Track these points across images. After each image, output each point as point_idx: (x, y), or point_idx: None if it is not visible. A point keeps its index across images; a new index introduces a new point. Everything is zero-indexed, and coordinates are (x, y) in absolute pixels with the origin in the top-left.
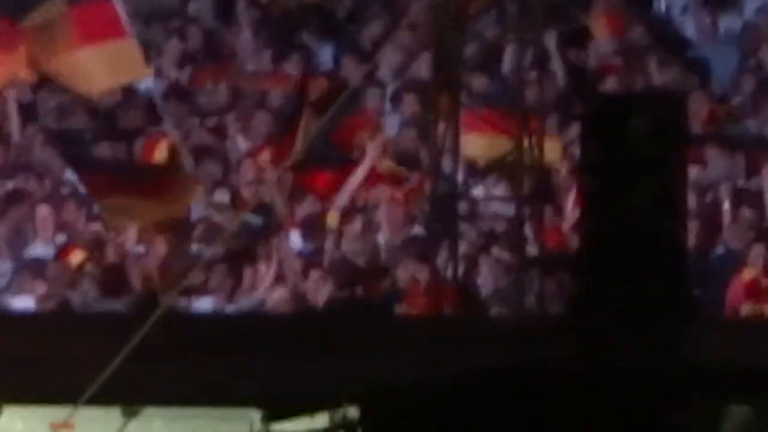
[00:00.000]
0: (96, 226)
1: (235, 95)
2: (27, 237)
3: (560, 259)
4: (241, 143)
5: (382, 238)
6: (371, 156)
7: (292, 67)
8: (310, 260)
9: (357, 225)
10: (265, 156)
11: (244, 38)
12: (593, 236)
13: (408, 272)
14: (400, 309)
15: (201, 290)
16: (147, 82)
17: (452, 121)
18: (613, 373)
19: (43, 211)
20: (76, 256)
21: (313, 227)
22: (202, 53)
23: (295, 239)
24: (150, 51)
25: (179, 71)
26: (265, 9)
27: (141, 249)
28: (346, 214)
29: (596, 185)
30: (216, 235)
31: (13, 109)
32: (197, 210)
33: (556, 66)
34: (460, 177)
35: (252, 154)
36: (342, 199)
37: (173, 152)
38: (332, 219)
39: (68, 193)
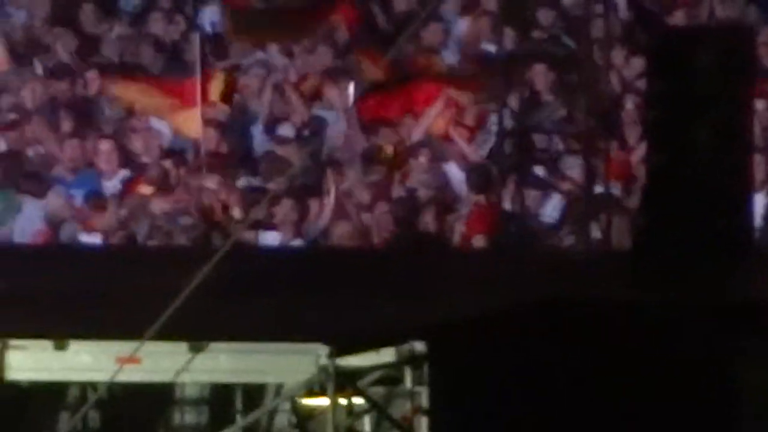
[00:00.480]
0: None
1: None
2: (93, 170)
3: (624, 193)
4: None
5: (448, 171)
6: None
7: None
8: (375, 193)
9: (423, 158)
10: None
11: None
12: (657, 170)
13: (473, 205)
14: (465, 242)
15: (267, 224)
16: None
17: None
18: (671, 307)
19: (106, 144)
20: (143, 190)
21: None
22: None
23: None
24: None
25: None
26: None
27: (209, 182)
28: (413, 147)
29: (661, 119)
30: (281, 168)
31: None
32: (261, 144)
33: None
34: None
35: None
36: (417, 132)
37: None
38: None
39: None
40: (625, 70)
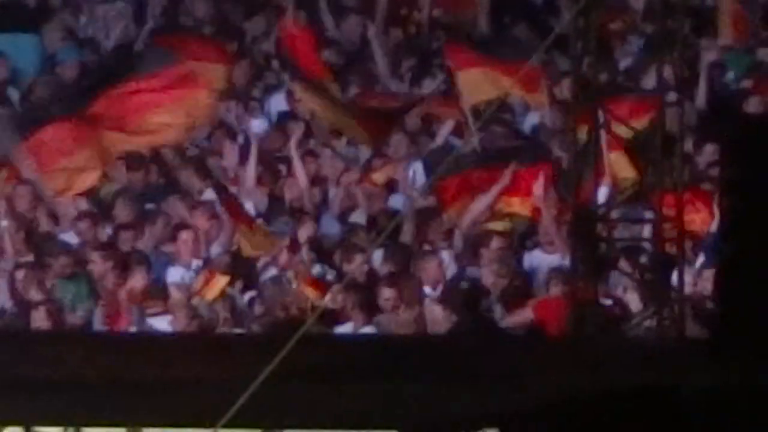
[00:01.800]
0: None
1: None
2: (167, 258)
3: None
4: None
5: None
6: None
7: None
8: (447, 281)
9: (495, 244)
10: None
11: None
12: (733, 257)
13: (548, 293)
14: (539, 330)
15: (339, 312)
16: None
17: (594, 142)
18: (752, 397)
19: (185, 234)
20: (218, 281)
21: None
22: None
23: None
24: None
25: None
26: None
27: (276, 272)
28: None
29: (736, 206)
30: (353, 256)
31: None
32: (334, 230)
33: (701, 86)
34: (601, 198)
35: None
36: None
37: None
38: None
39: (209, 216)
40: (698, 157)
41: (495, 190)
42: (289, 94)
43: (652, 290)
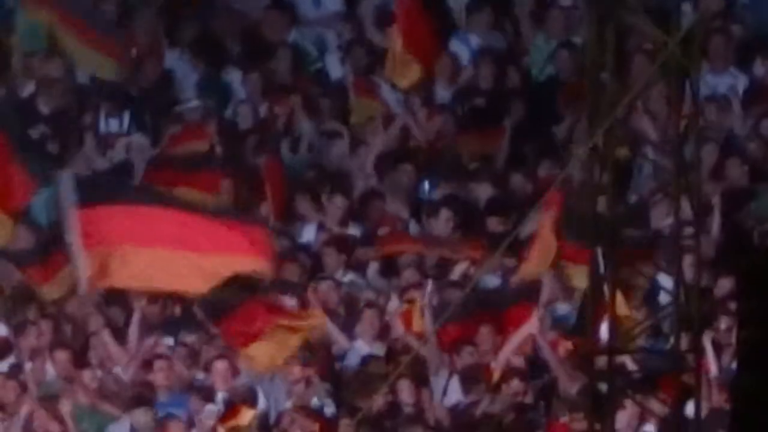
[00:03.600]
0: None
1: None
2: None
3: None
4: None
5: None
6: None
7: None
8: (463, 413)
9: (515, 384)
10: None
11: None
12: (748, 390)
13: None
14: None
15: None
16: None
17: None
18: None
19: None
20: (245, 415)
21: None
22: None
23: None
24: None
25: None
26: None
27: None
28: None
29: (754, 337)
30: (370, 386)
31: None
32: (354, 360)
33: (715, 220)
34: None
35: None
36: (504, 356)
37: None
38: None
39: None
40: (716, 290)
41: (525, 330)
42: None
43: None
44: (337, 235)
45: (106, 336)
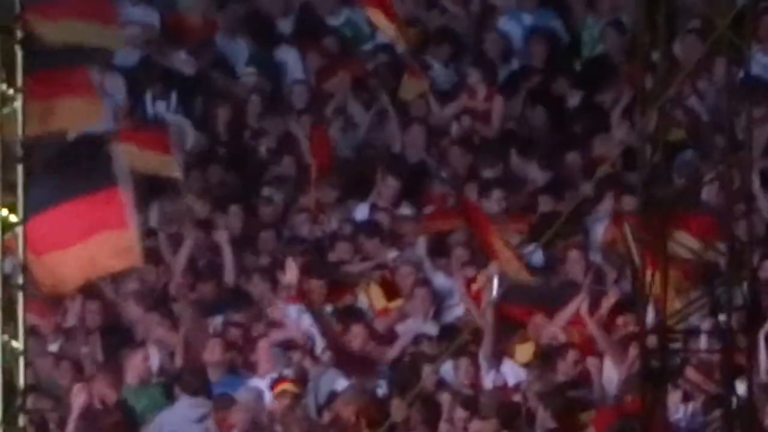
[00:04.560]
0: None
1: None
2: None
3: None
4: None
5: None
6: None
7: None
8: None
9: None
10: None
11: None
12: None
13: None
14: None
15: (405, 426)
16: None
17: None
18: None
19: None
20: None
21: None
22: None
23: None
24: None
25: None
26: None
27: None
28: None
29: None
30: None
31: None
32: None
33: (762, 201)
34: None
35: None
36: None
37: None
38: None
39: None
40: (761, 272)
41: (573, 306)
42: None
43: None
44: (392, 215)
45: (155, 316)
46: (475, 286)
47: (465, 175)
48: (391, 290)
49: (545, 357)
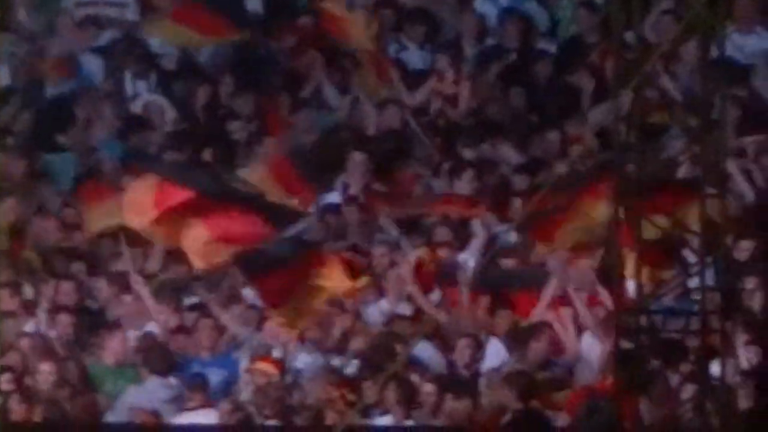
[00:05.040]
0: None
1: None
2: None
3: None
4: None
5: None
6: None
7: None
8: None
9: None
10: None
11: None
12: None
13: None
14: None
15: (379, 406)
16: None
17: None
18: None
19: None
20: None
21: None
22: None
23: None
24: None
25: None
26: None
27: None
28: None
29: None
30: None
31: None
32: (378, 319)
33: (741, 184)
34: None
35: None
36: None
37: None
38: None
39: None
40: (736, 252)
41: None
42: None
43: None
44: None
45: (144, 291)
46: (424, 269)
47: (438, 157)
48: (354, 270)
49: (516, 337)
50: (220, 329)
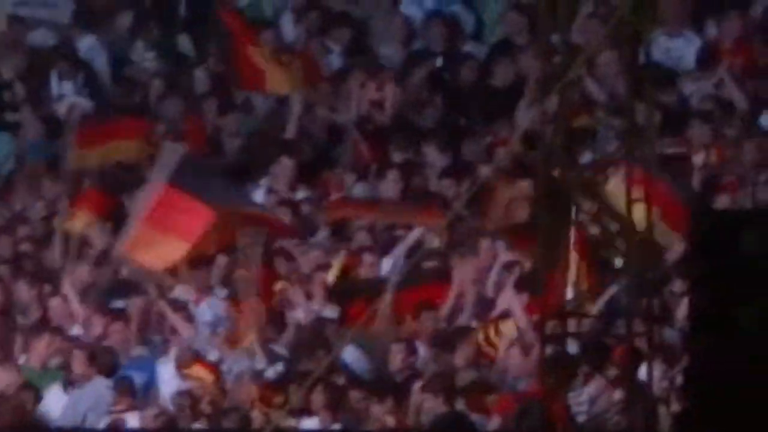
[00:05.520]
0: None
1: None
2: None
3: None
4: None
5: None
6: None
7: None
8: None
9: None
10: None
11: None
12: (702, 352)
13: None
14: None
15: (306, 409)
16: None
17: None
18: None
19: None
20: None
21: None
22: None
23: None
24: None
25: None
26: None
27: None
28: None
29: (706, 301)
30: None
31: None
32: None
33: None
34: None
35: None
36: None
37: None
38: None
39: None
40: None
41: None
42: None
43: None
44: (286, 199)
45: (71, 293)
46: (330, 277)
47: (365, 161)
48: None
49: (442, 339)
50: (143, 333)
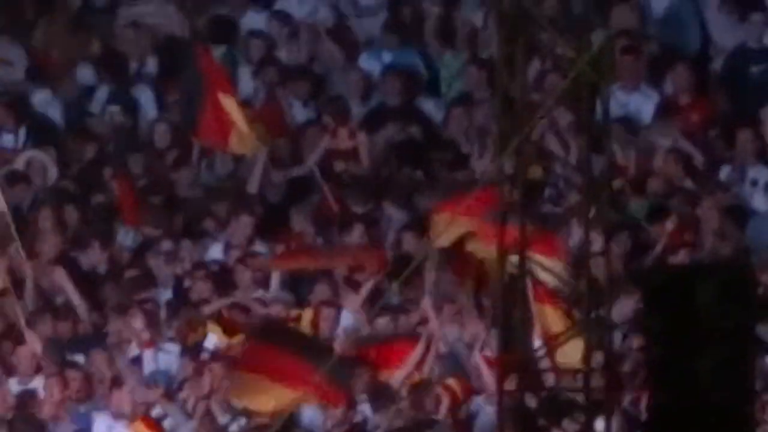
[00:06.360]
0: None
1: None
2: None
3: None
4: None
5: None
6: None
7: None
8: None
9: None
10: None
11: None
12: (660, 407)
13: None
14: None
15: None
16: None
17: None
18: None
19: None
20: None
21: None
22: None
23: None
24: None
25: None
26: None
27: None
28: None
29: (662, 355)
30: None
31: None
32: None
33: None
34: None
35: None
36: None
37: None
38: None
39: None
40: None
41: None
42: None
43: None
44: (246, 253)
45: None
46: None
47: (330, 213)
48: (230, 328)
49: (389, 393)
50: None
